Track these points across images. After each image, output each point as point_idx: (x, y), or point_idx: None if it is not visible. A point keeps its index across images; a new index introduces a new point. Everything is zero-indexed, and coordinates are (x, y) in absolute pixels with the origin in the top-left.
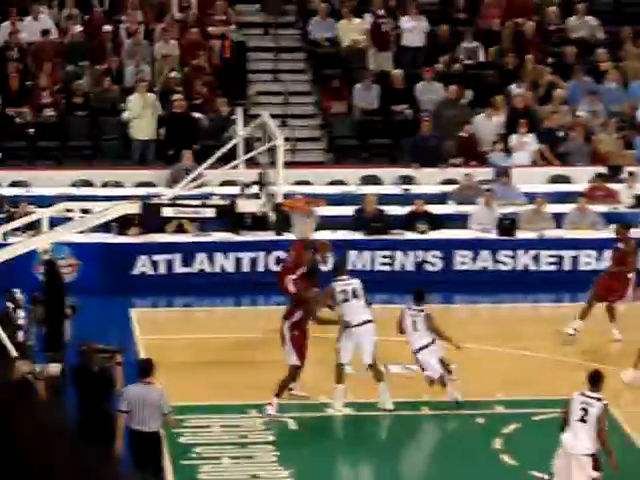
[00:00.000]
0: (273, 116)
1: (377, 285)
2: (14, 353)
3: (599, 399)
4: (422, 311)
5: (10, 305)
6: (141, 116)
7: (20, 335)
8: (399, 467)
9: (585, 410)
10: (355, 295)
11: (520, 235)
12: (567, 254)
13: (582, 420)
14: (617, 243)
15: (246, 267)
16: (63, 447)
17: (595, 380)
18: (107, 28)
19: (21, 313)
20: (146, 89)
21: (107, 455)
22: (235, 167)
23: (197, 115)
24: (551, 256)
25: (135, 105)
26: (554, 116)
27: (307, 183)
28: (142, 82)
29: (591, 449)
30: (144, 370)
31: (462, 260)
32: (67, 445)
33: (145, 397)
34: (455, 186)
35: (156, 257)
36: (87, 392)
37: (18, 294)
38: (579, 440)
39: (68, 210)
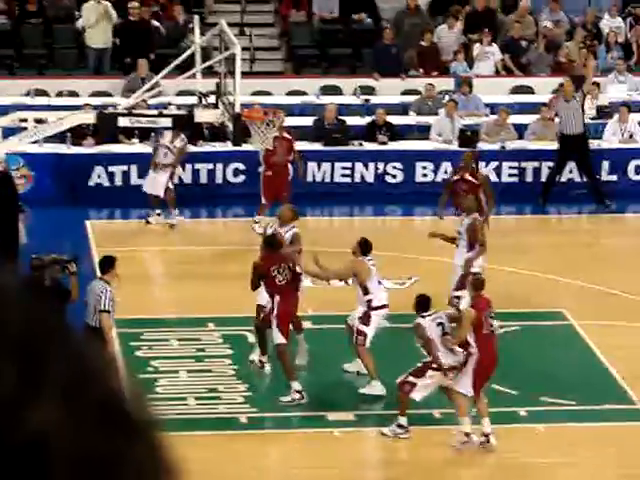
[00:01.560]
0: (231, 25)
1: (337, 197)
2: None
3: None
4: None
5: None
6: (96, 24)
7: None
8: (353, 377)
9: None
10: None
11: (481, 146)
12: (529, 165)
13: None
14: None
15: (204, 179)
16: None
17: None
18: None
19: None
20: None
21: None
22: (192, 77)
23: (155, 23)
24: (513, 167)
25: (90, 13)
26: (517, 26)
27: (266, 93)
28: None
29: None
30: (100, 266)
31: (423, 172)
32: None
33: (92, 291)
34: (416, 97)
35: (112, 168)
36: None
37: None
38: None
39: (22, 120)
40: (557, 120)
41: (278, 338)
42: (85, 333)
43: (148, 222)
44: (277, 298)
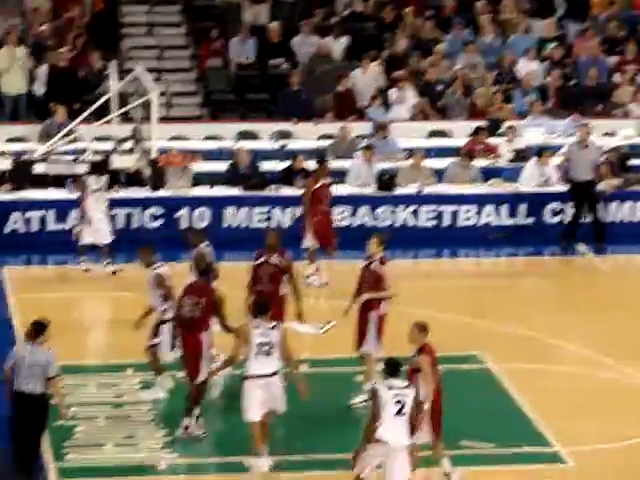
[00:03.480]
0: (148, 70)
1: (254, 242)
2: None
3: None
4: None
5: None
6: (10, 70)
7: None
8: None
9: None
10: None
11: (399, 191)
12: (447, 209)
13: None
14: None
15: (121, 224)
16: None
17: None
18: None
19: None
20: (16, 43)
21: None
22: (109, 122)
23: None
24: (430, 211)
25: (4, 59)
26: (433, 69)
27: (183, 138)
28: (11, 35)
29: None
30: (32, 332)
31: (341, 216)
32: None
33: (33, 358)
34: (331, 140)
35: (29, 214)
36: None
37: None
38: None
39: None
40: (569, 163)
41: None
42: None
43: (114, 272)
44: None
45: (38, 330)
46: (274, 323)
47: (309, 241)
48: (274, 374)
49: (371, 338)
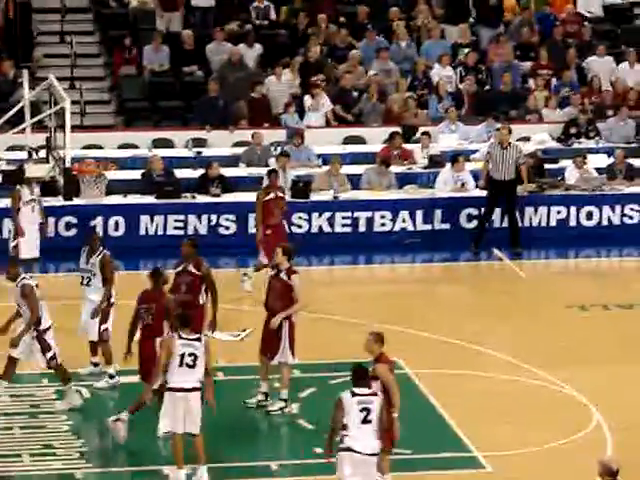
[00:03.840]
0: (61, 79)
1: (170, 250)
2: None
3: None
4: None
5: None
6: None
7: None
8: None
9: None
10: None
11: (314, 197)
12: (362, 215)
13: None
14: None
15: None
16: None
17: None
18: None
19: None
20: None
21: None
22: (22, 131)
23: None
24: (346, 218)
25: None
26: (347, 76)
27: (97, 147)
28: None
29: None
30: None
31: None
32: None
33: None
34: (245, 147)
35: None
36: None
37: None
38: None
39: None
40: (490, 165)
41: None
42: None
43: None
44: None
45: None
46: (198, 335)
47: (263, 258)
48: (194, 389)
49: (285, 347)
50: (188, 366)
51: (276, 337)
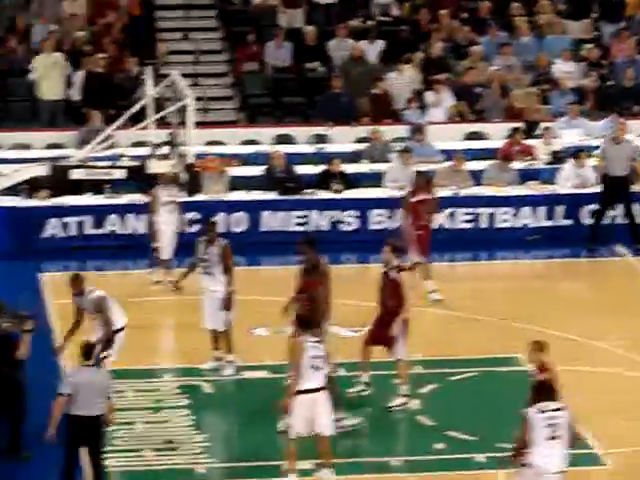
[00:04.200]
0: (184, 75)
1: (292, 246)
2: None
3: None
4: None
5: None
6: (48, 76)
7: None
8: None
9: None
10: None
11: (438, 193)
12: (484, 212)
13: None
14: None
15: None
16: None
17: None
18: None
19: None
20: (53, 48)
21: None
22: (145, 128)
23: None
24: (467, 214)
25: (42, 65)
26: (471, 72)
27: (219, 143)
28: (49, 41)
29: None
30: (86, 353)
31: (378, 219)
32: None
33: (93, 381)
34: (366, 144)
35: (66, 219)
36: None
37: None
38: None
39: None
40: (603, 162)
41: None
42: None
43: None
44: None
45: (87, 352)
46: (320, 337)
47: (414, 256)
48: (321, 389)
49: (400, 343)
50: (316, 368)
51: (392, 334)
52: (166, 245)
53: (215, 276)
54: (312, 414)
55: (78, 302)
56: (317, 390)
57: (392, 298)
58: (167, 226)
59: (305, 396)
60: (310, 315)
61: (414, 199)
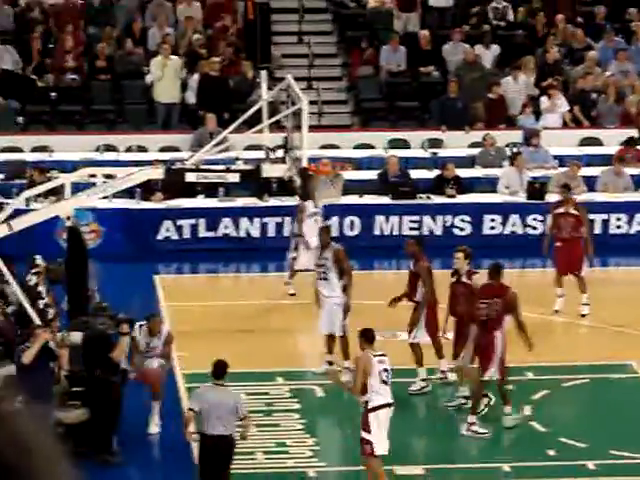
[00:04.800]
0: (298, 79)
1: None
2: (37, 321)
3: None
4: None
5: (31, 272)
6: (164, 79)
7: (41, 303)
8: (422, 435)
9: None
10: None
11: (550, 199)
12: (598, 218)
13: None
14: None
15: (272, 232)
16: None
17: None
18: None
19: (41, 280)
20: (169, 52)
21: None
22: (260, 131)
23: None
24: None
25: (158, 68)
26: (587, 77)
27: (333, 147)
28: (165, 45)
29: None
30: (217, 372)
31: (491, 224)
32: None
33: (221, 401)
34: (480, 149)
35: (180, 222)
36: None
37: (39, 260)
38: None
39: (91, 175)
40: None
41: None
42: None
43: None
44: None
45: (219, 370)
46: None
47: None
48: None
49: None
50: (385, 382)
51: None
52: (308, 255)
53: (330, 281)
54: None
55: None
56: (390, 405)
57: (466, 304)
58: (311, 237)
59: (382, 411)
60: (368, 330)
61: (557, 211)
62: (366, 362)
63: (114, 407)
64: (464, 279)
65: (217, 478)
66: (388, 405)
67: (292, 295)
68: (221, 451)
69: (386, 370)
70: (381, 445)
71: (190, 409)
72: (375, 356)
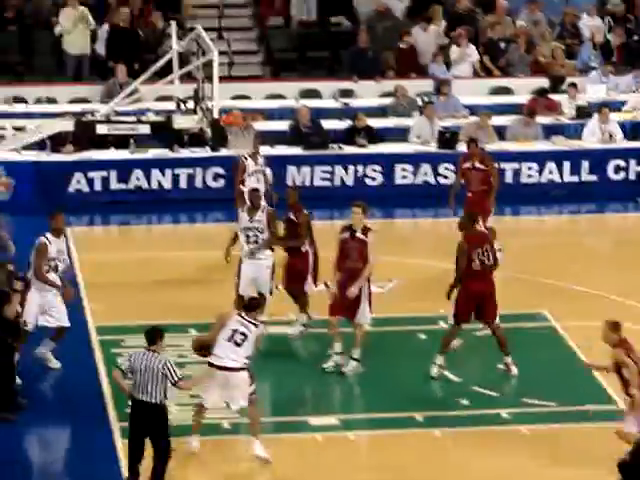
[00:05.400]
0: (208, 29)
1: (317, 201)
2: None
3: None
4: None
5: None
6: (73, 30)
7: None
8: (336, 385)
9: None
10: None
11: (461, 148)
12: (509, 167)
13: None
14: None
15: (183, 184)
16: None
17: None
18: None
19: None
20: (78, 2)
21: None
22: (170, 82)
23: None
24: None
25: (67, 19)
26: (496, 27)
27: (244, 97)
28: None
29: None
30: (149, 337)
31: (403, 174)
32: None
33: (147, 366)
34: (391, 99)
35: (91, 174)
36: None
37: None
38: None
39: (0, 128)
40: None
41: None
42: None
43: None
44: None
45: (151, 336)
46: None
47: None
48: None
49: (364, 307)
50: (236, 344)
51: (356, 298)
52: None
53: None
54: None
55: None
56: (218, 368)
57: (359, 260)
58: None
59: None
60: (254, 299)
61: (465, 165)
62: (226, 318)
63: (7, 365)
64: (359, 234)
65: (142, 444)
66: (217, 367)
67: None
68: (148, 418)
69: (236, 331)
70: (210, 399)
71: (116, 366)
72: (240, 317)
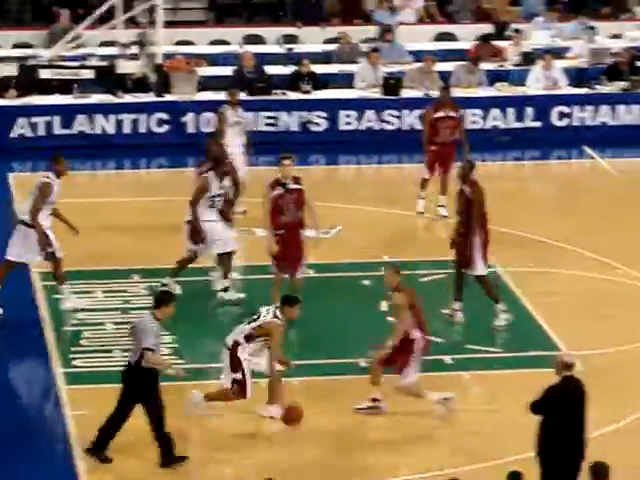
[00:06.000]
0: None
1: (261, 146)
2: None
3: None
4: None
5: None
6: None
7: None
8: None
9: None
10: None
11: (405, 94)
12: None
13: None
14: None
15: (127, 129)
16: None
17: None
18: None
19: None
20: None
21: None
22: (114, 27)
23: None
24: None
25: None
26: None
27: (188, 43)
28: None
29: None
30: (154, 300)
31: (347, 120)
32: None
33: (137, 326)
34: (336, 45)
35: (35, 119)
36: None
37: None
38: None
39: None
40: None
41: None
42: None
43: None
44: None
45: (159, 300)
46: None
47: (425, 174)
48: None
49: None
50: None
51: (300, 251)
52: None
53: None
54: None
55: None
56: None
57: (300, 211)
58: (234, 148)
59: None
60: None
61: (437, 114)
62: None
63: None
64: (292, 185)
65: (127, 408)
66: None
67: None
68: (126, 379)
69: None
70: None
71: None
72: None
